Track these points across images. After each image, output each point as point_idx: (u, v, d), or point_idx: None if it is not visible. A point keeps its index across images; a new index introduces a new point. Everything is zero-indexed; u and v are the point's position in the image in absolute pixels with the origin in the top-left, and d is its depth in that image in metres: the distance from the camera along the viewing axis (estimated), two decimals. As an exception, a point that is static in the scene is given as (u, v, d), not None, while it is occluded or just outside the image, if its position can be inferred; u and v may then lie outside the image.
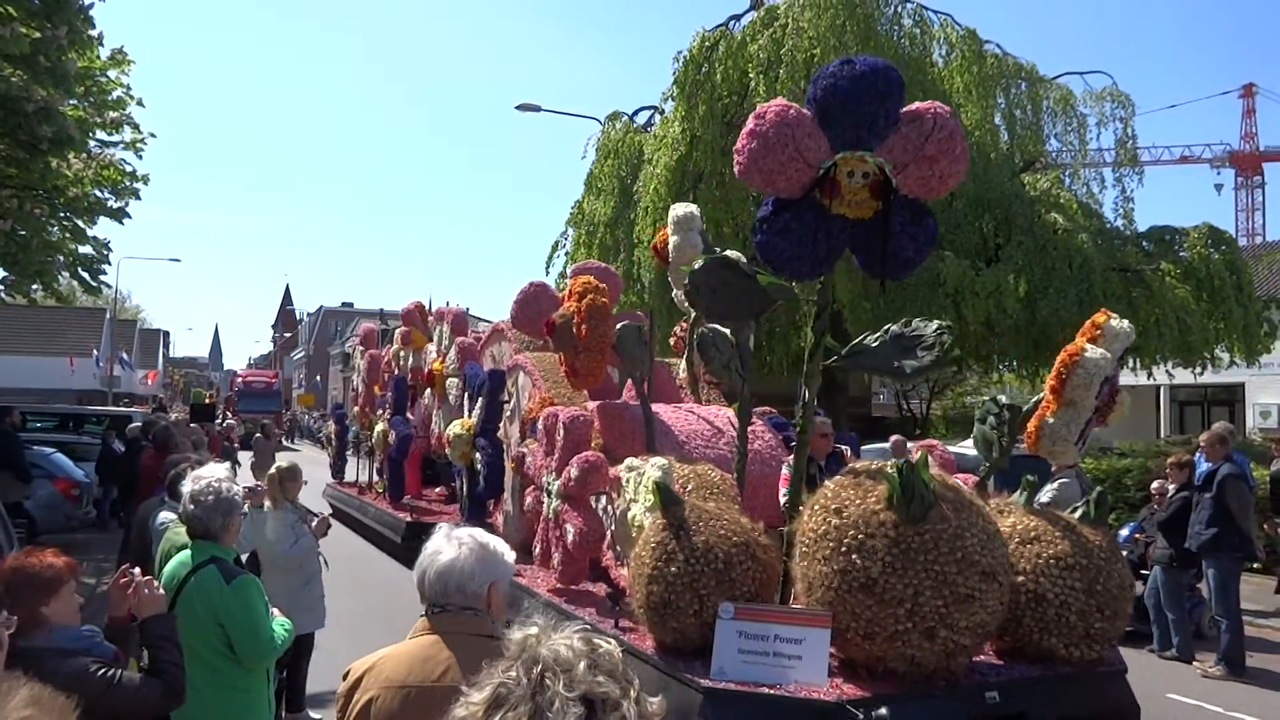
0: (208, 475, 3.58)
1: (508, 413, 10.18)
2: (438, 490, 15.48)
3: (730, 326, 6.42)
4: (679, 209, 8.16)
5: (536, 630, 1.45)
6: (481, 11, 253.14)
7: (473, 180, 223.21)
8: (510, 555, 2.45)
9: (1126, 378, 18.45)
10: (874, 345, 5.41)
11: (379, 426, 15.20)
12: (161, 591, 3.11)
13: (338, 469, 19.51)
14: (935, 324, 5.35)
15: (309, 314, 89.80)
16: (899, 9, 16.56)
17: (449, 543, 2.34)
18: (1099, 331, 5.45)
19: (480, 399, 10.18)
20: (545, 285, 9.68)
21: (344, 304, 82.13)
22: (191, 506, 3.50)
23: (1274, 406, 25.94)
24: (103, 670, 2.77)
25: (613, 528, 6.92)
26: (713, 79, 16.06)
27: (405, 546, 11.44)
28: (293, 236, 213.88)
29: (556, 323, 7.49)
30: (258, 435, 19.92)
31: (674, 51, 16.68)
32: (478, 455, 9.91)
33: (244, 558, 4.29)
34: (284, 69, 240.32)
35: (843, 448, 8.13)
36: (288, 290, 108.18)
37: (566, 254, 19.04)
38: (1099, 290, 14.43)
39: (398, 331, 15.96)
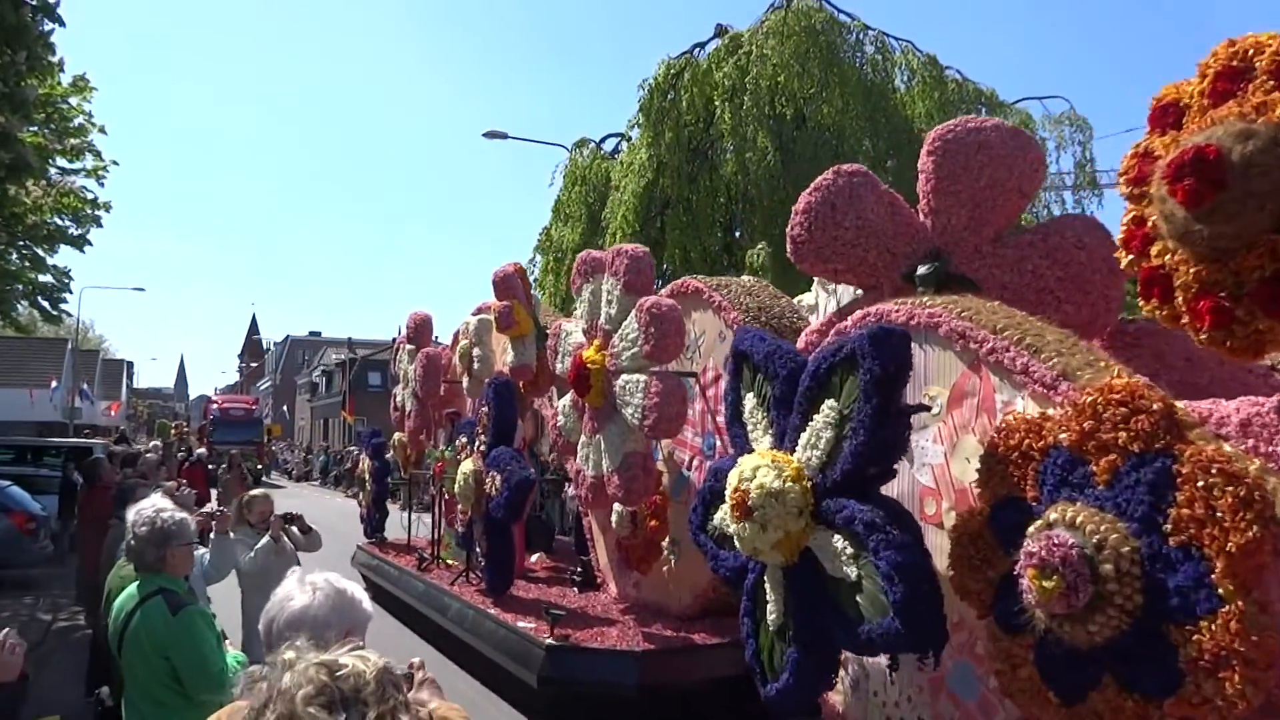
0: (145, 505, 3.53)
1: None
2: (534, 559, 10.36)
3: None
4: None
5: (289, 655, 1.44)
6: (448, 41, 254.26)
7: (440, 208, 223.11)
8: (367, 602, 2.29)
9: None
10: None
11: (466, 465, 8.57)
12: (19, 660, 2.91)
13: (376, 524, 12.77)
14: None
15: (276, 343, 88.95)
16: (861, 36, 16.81)
17: (301, 588, 2.22)
18: None
19: (837, 407, 3.83)
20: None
21: (311, 333, 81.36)
22: (131, 539, 3.46)
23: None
24: None
25: None
26: (678, 106, 16.21)
27: (545, 693, 6.34)
28: (260, 265, 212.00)
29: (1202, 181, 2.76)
30: (223, 467, 18.47)
31: (639, 79, 16.84)
32: (846, 548, 3.72)
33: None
34: (250, 98, 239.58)
35: None
36: (254, 319, 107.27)
37: (535, 281, 19.03)
38: (1062, 311, 14.60)
39: (471, 320, 10.59)
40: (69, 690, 6.49)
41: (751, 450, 4.19)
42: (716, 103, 15.86)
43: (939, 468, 4.11)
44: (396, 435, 12.61)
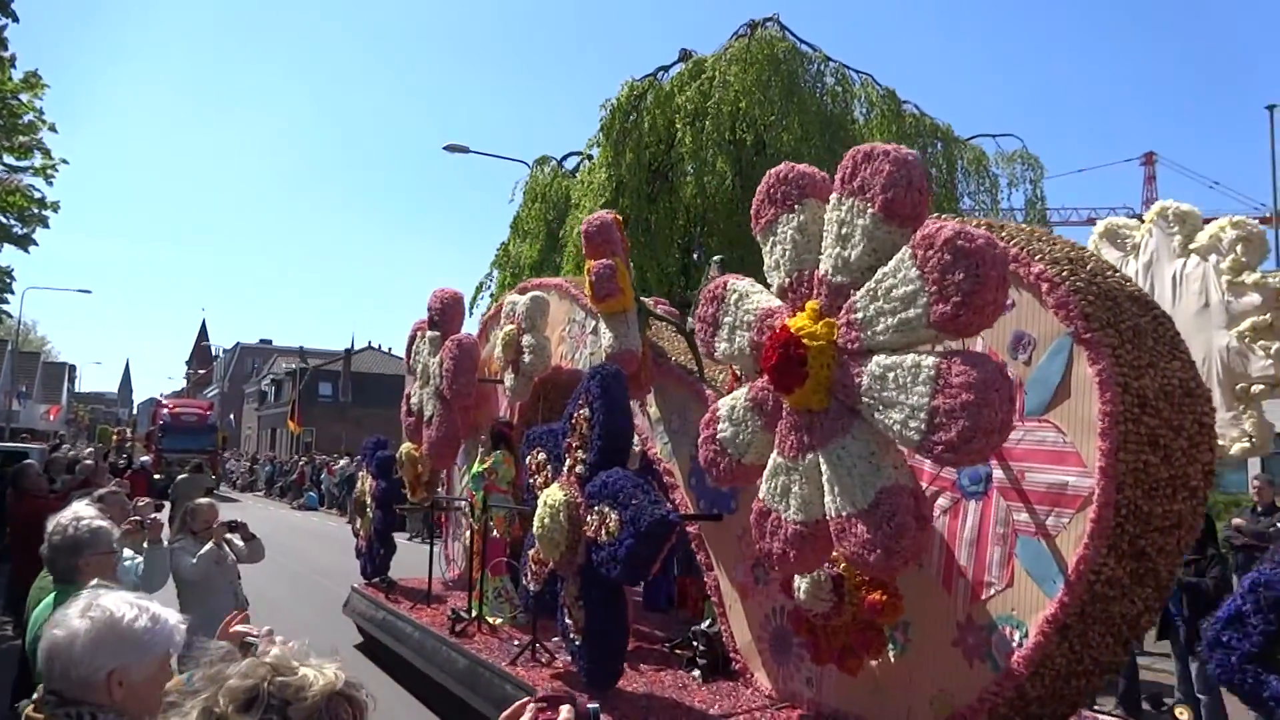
0: (64, 514, 3.45)
1: None
2: None
3: None
4: None
5: (275, 650, 1.44)
6: (411, 53, 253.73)
7: (396, 220, 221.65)
8: (166, 631, 1.96)
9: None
10: None
11: (554, 493, 5.79)
12: None
13: (379, 562, 9.84)
14: None
15: (225, 350, 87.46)
16: (822, 67, 17.07)
17: (78, 613, 1.92)
18: None
19: None
20: None
21: (262, 341, 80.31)
22: (45, 548, 3.39)
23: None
24: None
25: None
26: (640, 127, 16.32)
27: None
28: (211, 271, 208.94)
29: None
30: (182, 476, 16.84)
31: (602, 99, 16.94)
32: None
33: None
34: (205, 102, 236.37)
35: None
36: (204, 325, 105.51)
37: (491, 295, 18.98)
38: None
39: (519, 299, 8.27)
40: (-8, 703, 6.27)
41: None
42: (678, 126, 15.99)
43: None
44: (405, 447, 9.92)
